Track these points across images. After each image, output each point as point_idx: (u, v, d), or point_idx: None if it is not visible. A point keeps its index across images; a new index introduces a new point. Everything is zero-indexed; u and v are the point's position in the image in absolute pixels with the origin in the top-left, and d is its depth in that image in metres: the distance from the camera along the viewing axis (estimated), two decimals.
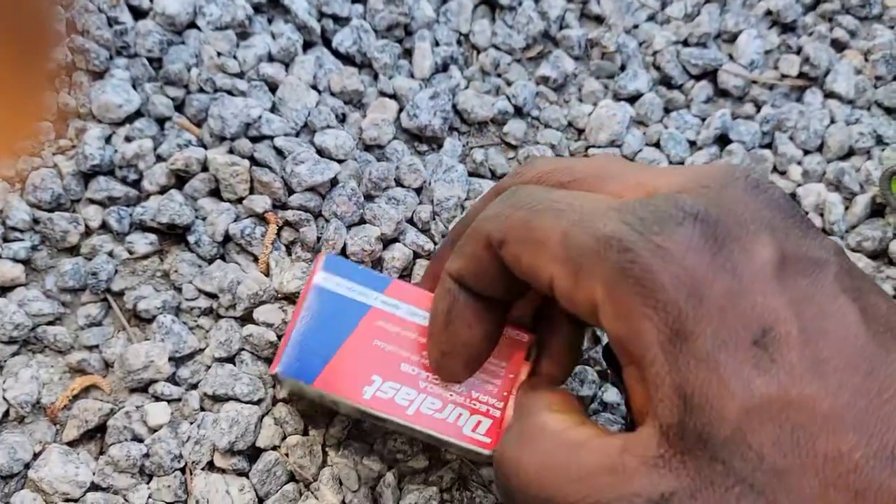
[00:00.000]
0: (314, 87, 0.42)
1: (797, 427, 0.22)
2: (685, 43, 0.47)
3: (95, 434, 0.36)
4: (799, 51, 0.47)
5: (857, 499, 0.21)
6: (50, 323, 0.37)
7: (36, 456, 0.35)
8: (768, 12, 0.48)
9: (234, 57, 0.42)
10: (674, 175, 0.26)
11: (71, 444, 0.35)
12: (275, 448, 0.36)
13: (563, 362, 0.31)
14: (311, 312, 0.31)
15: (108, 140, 0.40)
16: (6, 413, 0.35)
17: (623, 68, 0.46)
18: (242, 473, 0.35)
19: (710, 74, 0.46)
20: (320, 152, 0.40)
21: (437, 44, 0.45)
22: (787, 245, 0.24)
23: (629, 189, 0.27)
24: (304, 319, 0.31)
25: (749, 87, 0.46)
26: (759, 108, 0.46)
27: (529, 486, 0.26)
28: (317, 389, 0.31)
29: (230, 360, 0.37)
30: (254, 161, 0.40)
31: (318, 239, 0.39)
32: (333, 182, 0.40)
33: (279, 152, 0.40)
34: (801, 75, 0.46)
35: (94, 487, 0.35)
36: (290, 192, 0.39)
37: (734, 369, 0.22)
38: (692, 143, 0.45)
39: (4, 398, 0.35)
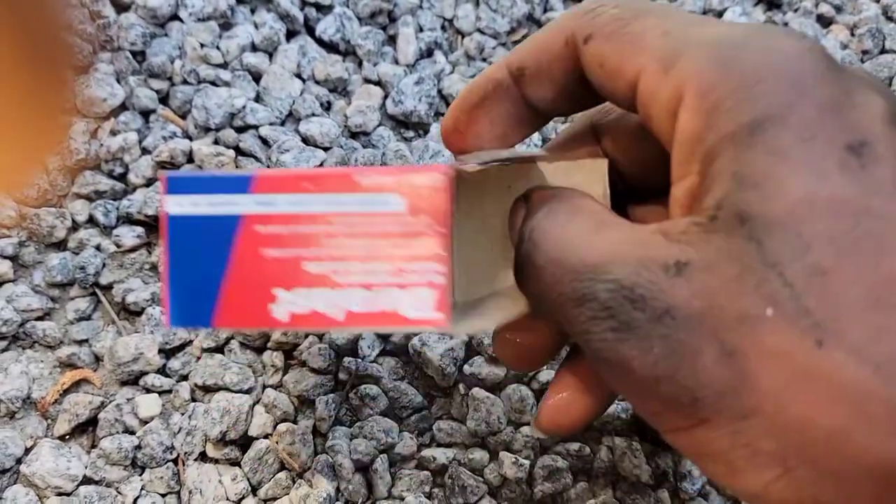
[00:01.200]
0: (298, 76, 0.42)
1: (867, 235, 0.19)
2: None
3: (87, 427, 0.36)
4: (785, 27, 0.47)
5: None
6: (39, 318, 0.37)
7: (27, 451, 0.35)
8: None
9: (217, 48, 0.42)
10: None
11: (62, 438, 0.35)
12: (267, 436, 0.36)
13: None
14: (176, 248, 0.26)
15: (93, 134, 0.40)
16: None
17: None
18: (235, 463, 0.35)
19: None
20: (305, 140, 0.40)
21: (420, 29, 0.45)
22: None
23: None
24: (172, 259, 0.26)
25: None
26: None
27: (564, 253, 0.23)
28: (222, 328, 0.27)
29: (219, 349, 0.37)
30: (239, 151, 0.40)
31: None
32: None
33: (264, 141, 0.40)
34: None
35: (87, 480, 0.35)
36: None
37: (813, 162, 0.20)
38: None
39: None
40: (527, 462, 0.36)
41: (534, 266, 0.24)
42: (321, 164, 0.39)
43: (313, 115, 0.41)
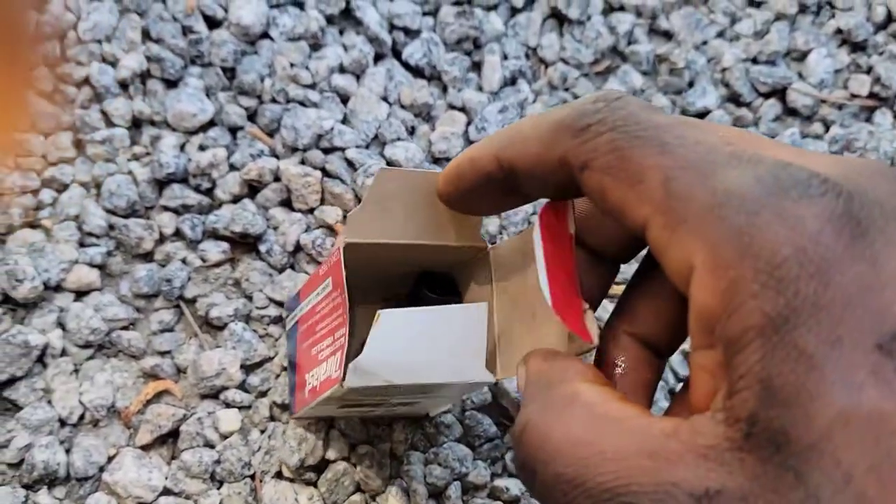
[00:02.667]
0: (385, 99, 0.43)
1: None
2: (754, 61, 0.47)
3: (167, 439, 0.36)
4: (869, 70, 0.47)
5: None
6: (124, 328, 0.38)
7: (110, 459, 0.35)
8: (838, 31, 0.48)
9: (307, 68, 0.42)
10: (811, 154, 0.22)
11: (144, 448, 0.36)
12: (344, 459, 0.36)
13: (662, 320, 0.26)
14: (288, 354, 0.37)
15: (182, 148, 0.41)
16: (81, 416, 0.36)
17: (691, 84, 0.46)
18: (311, 483, 0.36)
19: (779, 93, 0.46)
20: (390, 164, 0.41)
21: (505, 57, 0.45)
22: None
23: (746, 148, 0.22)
24: (289, 364, 0.37)
25: (818, 107, 0.46)
26: (827, 127, 0.46)
27: (556, 461, 0.22)
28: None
29: None
30: (325, 172, 0.40)
31: None
32: None
33: (350, 164, 0.40)
34: (871, 95, 0.46)
35: (167, 492, 0.35)
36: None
37: (844, 371, 0.18)
38: None
39: (81, 402, 0.36)
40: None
41: (536, 477, 0.23)
42: None
43: (398, 139, 0.41)
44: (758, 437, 0.19)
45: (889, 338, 0.18)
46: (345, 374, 0.27)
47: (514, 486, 0.36)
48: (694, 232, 0.20)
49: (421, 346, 0.28)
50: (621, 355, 0.26)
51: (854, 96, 0.46)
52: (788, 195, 0.19)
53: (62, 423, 0.36)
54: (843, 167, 0.21)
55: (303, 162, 0.40)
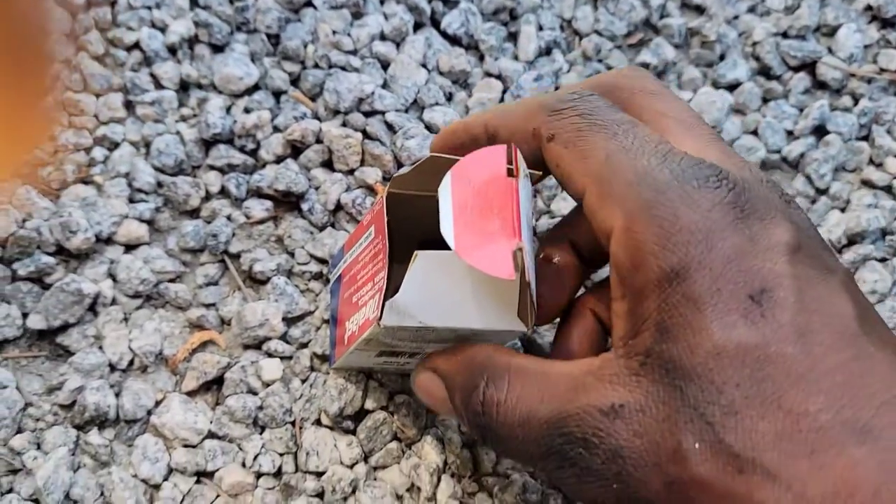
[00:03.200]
0: (424, 66, 0.44)
1: (767, 378, 0.23)
2: (785, 35, 0.47)
3: (212, 386, 0.38)
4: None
5: (813, 455, 0.22)
6: (171, 280, 0.39)
7: (157, 403, 0.37)
8: (868, 7, 0.48)
9: (349, 35, 0.44)
10: (727, 153, 0.28)
11: (189, 393, 0.37)
12: (382, 408, 0.37)
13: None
14: (332, 307, 0.38)
15: (227, 110, 0.42)
16: (131, 362, 0.38)
17: (722, 57, 0.47)
18: (349, 431, 0.37)
19: (808, 66, 0.47)
20: (429, 128, 0.42)
21: (540, 28, 0.46)
22: (804, 241, 0.25)
23: (684, 142, 0.28)
24: (331, 317, 0.38)
25: (847, 80, 0.46)
26: (856, 101, 0.46)
27: (507, 417, 0.28)
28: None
29: None
30: (366, 134, 0.41)
31: None
32: None
33: (390, 127, 0.42)
34: None
35: (211, 435, 0.37)
36: (400, 165, 0.41)
37: (720, 313, 0.23)
38: (789, 133, 0.45)
39: (130, 348, 0.37)
40: None
41: (499, 437, 0.28)
42: None
43: (437, 104, 0.43)
44: (651, 365, 0.24)
45: (758, 291, 0.24)
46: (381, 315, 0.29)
47: None
48: (616, 202, 0.26)
49: (455, 290, 0.29)
50: (557, 254, 0.32)
51: (883, 70, 0.47)
52: (691, 183, 0.25)
53: (112, 367, 0.37)
54: (744, 169, 0.27)
55: (344, 124, 0.42)
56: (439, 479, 0.36)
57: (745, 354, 0.23)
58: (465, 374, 0.30)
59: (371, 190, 0.41)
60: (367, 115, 0.42)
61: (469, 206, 0.27)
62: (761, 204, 0.25)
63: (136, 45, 0.43)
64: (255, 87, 0.43)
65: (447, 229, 0.27)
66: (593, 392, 0.25)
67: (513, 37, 0.46)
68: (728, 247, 0.24)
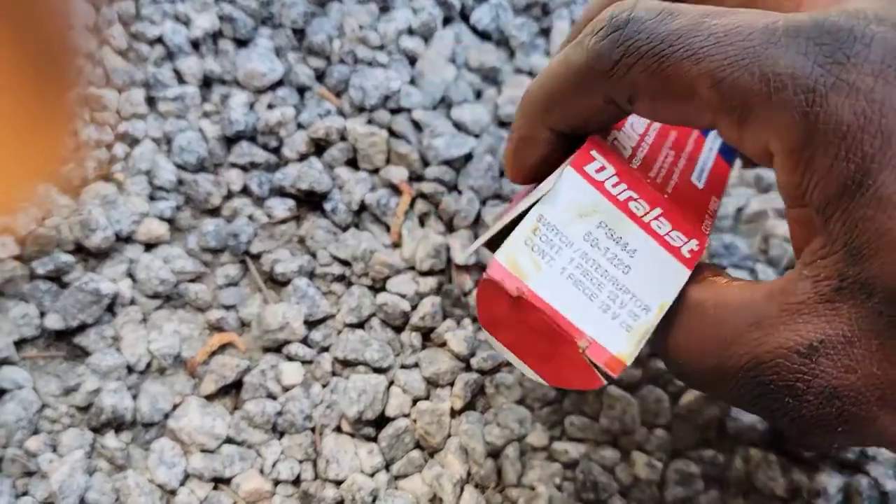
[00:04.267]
0: (452, 62, 0.42)
1: None
2: None
3: (231, 389, 0.37)
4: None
5: None
6: (191, 280, 0.39)
7: (175, 407, 0.36)
8: None
9: (375, 30, 0.43)
10: None
11: (208, 397, 0.36)
12: (405, 416, 0.36)
13: None
14: None
15: (251, 107, 0.41)
16: (149, 364, 0.37)
17: None
18: (370, 439, 0.36)
19: None
20: (457, 126, 0.41)
21: (573, 23, 0.44)
22: None
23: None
24: None
25: None
26: None
27: (693, 363, 0.24)
28: None
29: (360, 325, 0.38)
30: (392, 133, 0.40)
31: (454, 213, 0.39)
32: (469, 157, 0.40)
33: (416, 125, 0.41)
34: None
35: (229, 440, 0.36)
36: (426, 164, 0.40)
37: None
38: None
39: (148, 349, 0.37)
40: (659, 464, 0.35)
41: (693, 383, 0.25)
42: (471, 151, 0.40)
43: (465, 101, 0.41)
44: (849, 289, 0.20)
45: None
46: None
47: (573, 450, 0.36)
48: (761, 124, 0.21)
49: None
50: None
51: None
52: (838, 60, 0.20)
53: (130, 369, 0.37)
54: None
55: (369, 122, 0.41)
56: (462, 490, 0.35)
57: None
58: None
59: (396, 190, 0.40)
60: (394, 112, 0.41)
61: None
62: None
63: (160, 40, 0.42)
64: (280, 83, 0.42)
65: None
66: (784, 329, 0.21)
67: (545, 32, 0.44)
68: None
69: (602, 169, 0.24)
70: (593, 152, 0.24)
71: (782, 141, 0.21)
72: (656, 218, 0.24)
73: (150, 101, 0.41)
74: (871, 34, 0.20)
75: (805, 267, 0.21)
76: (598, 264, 0.24)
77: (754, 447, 0.36)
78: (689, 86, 0.22)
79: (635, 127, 0.28)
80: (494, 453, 0.36)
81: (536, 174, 0.28)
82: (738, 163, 0.33)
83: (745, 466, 0.36)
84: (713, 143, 0.30)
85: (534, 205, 0.24)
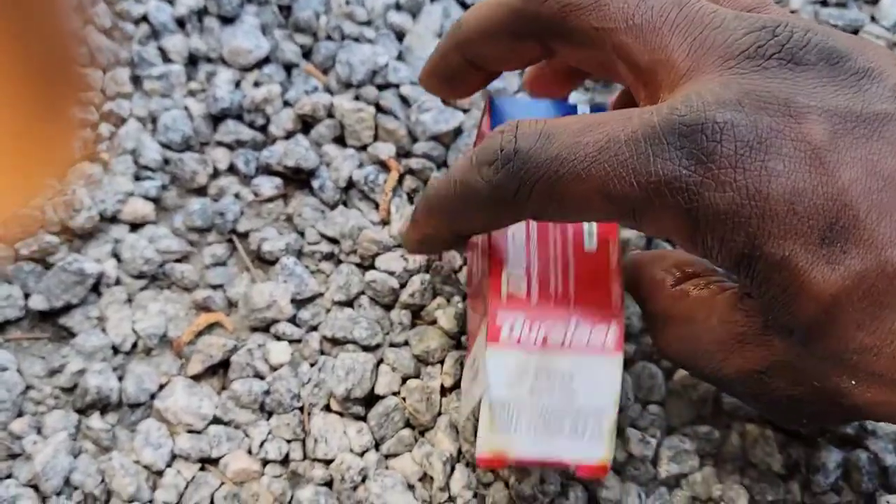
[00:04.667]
0: (440, 37, 0.42)
1: (877, 305, 0.23)
2: (824, 3, 0.45)
3: (218, 369, 0.36)
4: None
5: None
6: (177, 260, 0.38)
7: (161, 387, 0.36)
8: None
9: (363, 5, 0.42)
10: (706, 69, 0.25)
11: (195, 377, 0.36)
12: (394, 394, 0.36)
13: None
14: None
15: (237, 85, 0.41)
16: (134, 345, 0.36)
17: None
18: (359, 418, 0.36)
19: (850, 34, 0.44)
20: (445, 101, 0.40)
21: None
22: (837, 112, 0.23)
23: (655, 77, 0.26)
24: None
25: (892, 49, 0.44)
26: None
27: (676, 363, 0.30)
28: None
29: (349, 304, 0.37)
30: (379, 108, 0.40)
31: None
32: (457, 131, 0.39)
33: (404, 100, 0.40)
34: None
35: (217, 420, 0.35)
36: (415, 140, 0.39)
37: (809, 271, 0.23)
38: None
39: (134, 330, 0.36)
40: (653, 441, 0.35)
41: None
42: (459, 126, 0.39)
43: None
44: (773, 327, 0.25)
45: (827, 230, 0.23)
46: None
47: None
48: (654, 221, 0.25)
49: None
50: None
51: None
52: (699, 161, 0.23)
53: (115, 350, 0.36)
54: (730, 72, 0.24)
55: (357, 98, 0.40)
56: (453, 469, 0.34)
57: (846, 297, 0.23)
58: None
59: (384, 166, 0.39)
60: (381, 88, 0.40)
61: None
62: (774, 110, 0.24)
63: (144, 18, 0.41)
64: (266, 60, 0.41)
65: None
66: (737, 355, 0.26)
67: None
68: (775, 198, 0.23)
69: (512, 327, 0.28)
70: (499, 318, 0.28)
71: (676, 233, 0.24)
72: (574, 331, 0.28)
73: (135, 80, 0.41)
74: (718, 128, 0.23)
75: (739, 301, 0.26)
76: (551, 406, 0.28)
77: (751, 423, 0.35)
78: (583, 199, 0.25)
79: None
80: None
81: (437, 255, 0.35)
82: None
83: (741, 442, 0.35)
84: None
85: (481, 397, 0.28)
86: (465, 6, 0.43)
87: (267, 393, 0.35)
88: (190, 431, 0.35)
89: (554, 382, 0.28)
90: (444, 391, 0.36)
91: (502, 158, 0.25)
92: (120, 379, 0.35)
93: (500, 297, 0.28)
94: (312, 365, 0.36)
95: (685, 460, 0.35)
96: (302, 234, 0.39)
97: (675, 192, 0.23)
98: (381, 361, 0.36)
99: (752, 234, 0.23)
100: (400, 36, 0.42)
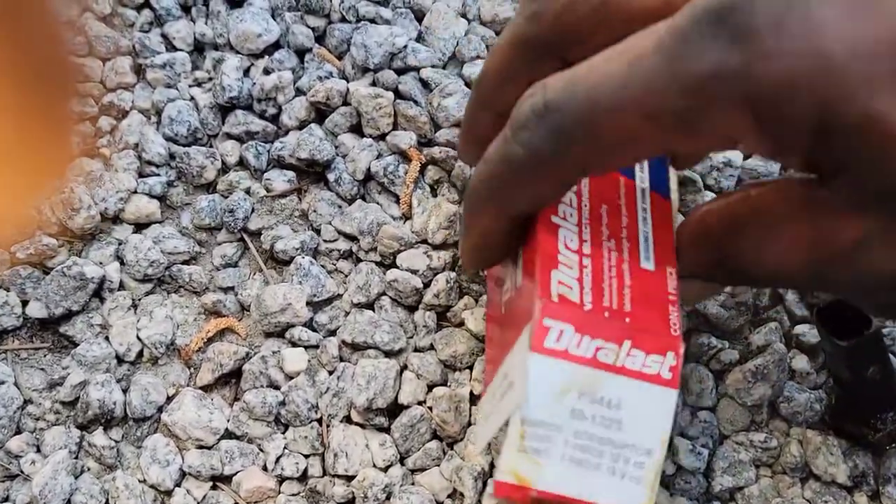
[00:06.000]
0: (463, 16, 0.39)
1: None
2: None
3: (230, 379, 0.34)
4: None
5: None
6: (185, 262, 0.35)
7: (169, 399, 0.33)
8: None
9: None
10: None
11: (205, 388, 0.33)
12: (420, 403, 0.33)
13: None
14: None
15: (246, 72, 0.38)
16: (140, 353, 0.34)
17: None
18: (382, 429, 0.33)
19: None
20: (469, 85, 0.37)
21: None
22: None
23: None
24: None
25: None
26: None
27: (774, 274, 0.25)
28: None
29: (369, 305, 0.35)
30: (398, 94, 0.37)
31: (468, 179, 0.36)
32: None
33: (425, 85, 0.37)
34: None
35: (229, 435, 0.33)
36: (437, 127, 0.36)
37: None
38: None
39: (139, 338, 0.34)
40: (705, 451, 0.32)
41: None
42: None
43: (478, 57, 0.38)
44: (873, 198, 0.21)
45: None
46: None
47: None
48: (712, 127, 0.21)
49: None
50: None
51: None
52: (740, 41, 0.20)
53: (119, 360, 0.34)
54: None
55: (374, 83, 0.37)
56: (485, 484, 0.31)
57: None
58: None
59: (405, 156, 0.36)
60: (400, 72, 0.37)
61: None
62: None
63: (146, 4, 0.39)
64: (276, 46, 0.39)
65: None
66: (830, 238, 0.23)
67: None
68: (838, 35, 0.20)
69: (561, 334, 0.24)
70: (546, 320, 0.24)
71: (737, 131, 0.21)
72: (628, 354, 0.24)
73: (138, 70, 0.38)
74: (747, 1, 0.20)
75: (810, 187, 0.22)
76: (590, 434, 0.24)
77: (812, 429, 0.32)
78: (626, 130, 0.22)
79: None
80: None
81: (497, 261, 0.29)
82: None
83: (801, 451, 0.32)
84: (642, 180, 0.29)
85: (513, 413, 0.24)
86: None
87: (282, 404, 0.33)
88: (200, 447, 0.32)
89: (600, 406, 0.24)
90: (474, 399, 0.33)
91: (534, 117, 0.23)
92: (124, 391, 0.33)
93: (549, 296, 0.24)
94: (331, 373, 0.33)
95: (740, 472, 0.32)
96: (318, 231, 0.36)
97: (724, 83, 0.20)
98: (404, 368, 0.33)
99: (821, 99, 0.20)
100: (419, 16, 0.39)
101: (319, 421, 0.33)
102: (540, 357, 0.24)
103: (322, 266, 0.35)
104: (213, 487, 0.32)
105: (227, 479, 0.32)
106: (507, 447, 0.24)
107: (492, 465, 0.32)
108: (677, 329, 0.25)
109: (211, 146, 0.37)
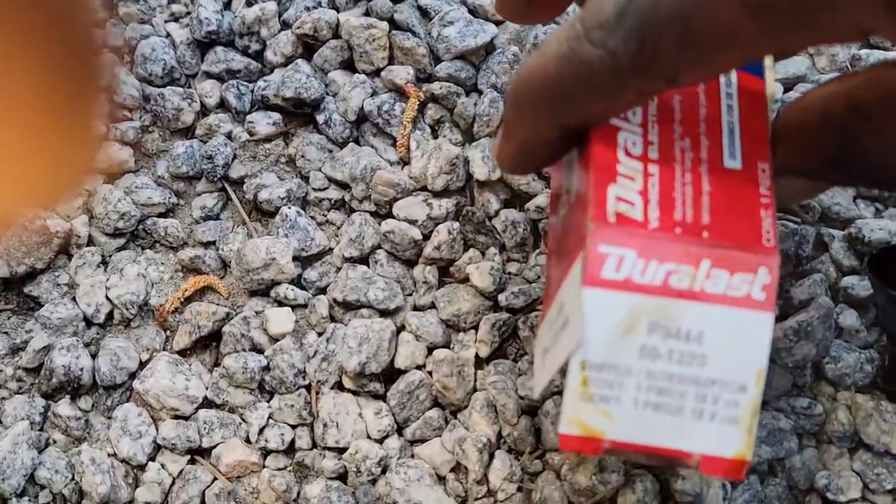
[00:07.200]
0: None
1: None
2: None
3: (209, 343, 0.31)
4: None
5: None
6: (160, 214, 0.33)
7: (142, 365, 0.30)
8: None
9: None
10: None
11: (182, 352, 0.31)
12: (419, 367, 0.30)
13: None
14: None
15: (227, 5, 0.35)
16: (110, 315, 0.31)
17: None
18: (377, 396, 0.30)
19: None
20: (473, 12, 0.34)
21: None
22: None
23: None
24: None
25: None
26: None
27: None
28: None
29: (363, 260, 0.31)
30: (394, 24, 0.34)
31: (473, 118, 0.32)
32: (489, 48, 0.33)
33: (424, 13, 0.34)
34: None
35: (207, 403, 0.30)
36: (437, 60, 0.33)
37: None
38: None
39: (108, 297, 0.31)
40: None
41: None
42: (491, 41, 0.33)
43: None
44: None
45: None
46: None
47: None
48: (837, 12, 0.18)
49: None
50: None
51: None
52: None
53: (87, 322, 0.31)
54: None
55: (367, 13, 0.34)
56: (491, 457, 0.29)
57: None
58: None
59: (401, 93, 0.33)
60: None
61: None
62: None
63: None
64: None
65: None
66: None
67: None
68: None
69: (621, 261, 0.21)
70: (602, 247, 0.21)
71: (871, 13, 0.18)
72: (707, 276, 0.21)
73: (108, 5, 0.35)
74: None
75: None
76: (668, 374, 0.21)
77: (862, 393, 0.29)
78: (728, 26, 0.19)
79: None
80: (530, 410, 0.29)
81: (540, 169, 0.27)
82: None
83: (850, 418, 0.29)
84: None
85: (570, 356, 0.21)
86: None
87: (266, 369, 0.30)
88: (176, 417, 0.30)
89: (675, 342, 0.21)
90: (480, 363, 0.30)
91: (616, 15, 0.20)
92: (93, 356, 0.31)
93: (605, 216, 0.21)
94: (320, 334, 0.30)
95: (781, 441, 0.29)
96: (306, 178, 0.33)
97: None
98: (401, 328, 0.30)
99: None
100: None
101: (308, 388, 0.30)
102: (596, 291, 0.21)
103: (311, 217, 0.32)
104: (191, 462, 0.30)
105: (205, 453, 0.30)
106: (568, 395, 0.21)
107: (499, 435, 0.29)
108: (772, 239, 0.21)
109: (188, 87, 0.34)
